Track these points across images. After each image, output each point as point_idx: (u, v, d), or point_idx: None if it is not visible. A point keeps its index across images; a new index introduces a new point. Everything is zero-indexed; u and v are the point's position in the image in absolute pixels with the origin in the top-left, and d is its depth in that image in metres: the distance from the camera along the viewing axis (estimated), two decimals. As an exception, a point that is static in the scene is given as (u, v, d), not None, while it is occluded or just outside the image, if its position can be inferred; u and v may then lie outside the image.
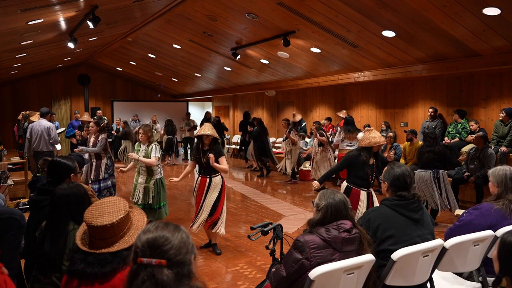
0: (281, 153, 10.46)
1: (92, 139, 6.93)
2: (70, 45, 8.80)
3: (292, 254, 2.34)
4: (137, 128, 6.19)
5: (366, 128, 5.29)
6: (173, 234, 1.48)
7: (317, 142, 8.74)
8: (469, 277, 3.04)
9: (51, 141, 8.05)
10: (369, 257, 2.33)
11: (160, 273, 1.39)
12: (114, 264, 1.82)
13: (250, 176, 11.29)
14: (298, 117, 10.47)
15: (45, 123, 8.05)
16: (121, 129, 14.11)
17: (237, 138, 13.13)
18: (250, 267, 4.59)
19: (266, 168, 10.82)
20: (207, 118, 14.39)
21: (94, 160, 6.81)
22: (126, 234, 1.90)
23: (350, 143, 7.98)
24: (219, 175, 4.99)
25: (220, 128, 13.34)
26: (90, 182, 6.78)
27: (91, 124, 7.00)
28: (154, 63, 13.26)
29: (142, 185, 5.59)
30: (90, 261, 1.83)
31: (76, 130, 11.17)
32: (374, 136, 4.53)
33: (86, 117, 10.04)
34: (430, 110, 8.54)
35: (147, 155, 5.51)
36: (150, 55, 12.35)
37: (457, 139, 7.90)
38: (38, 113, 8.60)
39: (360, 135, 4.96)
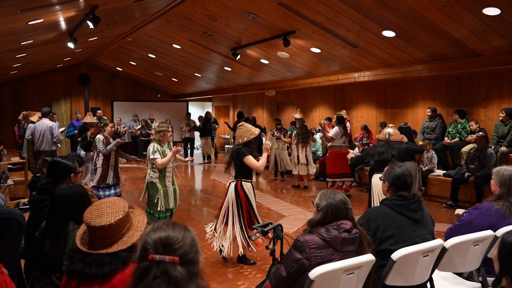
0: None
1: (112, 141, 6.57)
2: (70, 45, 8.80)
3: (292, 254, 2.34)
4: (157, 128, 5.56)
5: (391, 125, 5.72)
6: (184, 233, 1.49)
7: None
8: (469, 277, 3.04)
9: (54, 139, 8.05)
10: (369, 257, 2.33)
11: (173, 269, 1.39)
12: (113, 265, 1.82)
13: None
14: (297, 115, 10.51)
15: (48, 122, 8.05)
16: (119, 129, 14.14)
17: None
18: (250, 267, 4.59)
19: None
20: (207, 118, 14.39)
21: (113, 164, 6.51)
22: (125, 235, 1.90)
23: (344, 142, 8.02)
24: None
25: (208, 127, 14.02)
26: (98, 186, 6.42)
27: (111, 125, 6.70)
28: (154, 63, 13.26)
29: (171, 188, 5.36)
30: (88, 261, 1.83)
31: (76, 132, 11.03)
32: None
33: (89, 118, 9.76)
34: (428, 110, 8.52)
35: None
36: (150, 55, 12.35)
37: (457, 139, 7.90)
38: (38, 113, 8.60)
39: (389, 130, 5.40)
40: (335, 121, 8.40)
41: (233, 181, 4.60)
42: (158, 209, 5.23)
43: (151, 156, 5.15)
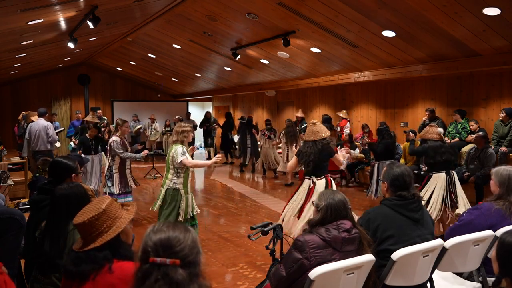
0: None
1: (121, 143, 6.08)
2: (70, 45, 8.80)
3: (292, 253, 2.34)
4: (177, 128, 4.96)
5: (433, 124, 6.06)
6: (185, 234, 1.49)
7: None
8: (469, 277, 3.04)
9: (49, 139, 8.05)
10: (369, 257, 2.33)
11: (174, 272, 1.40)
12: (88, 264, 1.81)
13: (250, 176, 11.29)
14: (299, 114, 10.73)
15: (43, 122, 8.08)
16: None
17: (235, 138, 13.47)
18: (250, 267, 4.59)
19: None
20: (207, 118, 14.39)
21: (129, 167, 6.13)
22: (105, 233, 1.88)
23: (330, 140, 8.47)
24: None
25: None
26: (119, 193, 6.01)
27: (127, 125, 6.19)
28: (154, 63, 13.26)
29: (190, 195, 4.92)
30: (71, 258, 1.86)
31: (74, 139, 10.59)
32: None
33: (90, 117, 9.03)
34: (426, 112, 8.44)
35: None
36: (150, 55, 12.35)
37: (457, 139, 7.90)
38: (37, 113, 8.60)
39: (440, 130, 5.84)
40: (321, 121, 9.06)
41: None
42: (180, 219, 4.75)
43: (181, 158, 4.60)
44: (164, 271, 1.40)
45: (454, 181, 5.47)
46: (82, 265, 1.81)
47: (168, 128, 14.66)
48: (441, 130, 5.67)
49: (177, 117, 14.34)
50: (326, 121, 8.91)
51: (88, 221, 1.85)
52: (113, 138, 6.10)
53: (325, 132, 4.60)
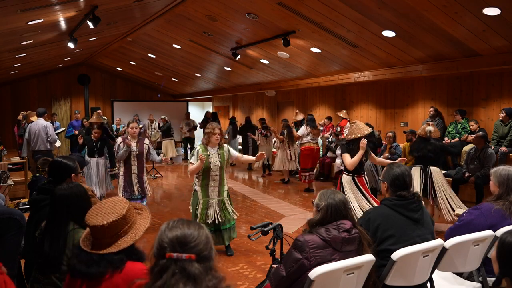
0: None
1: (135, 146, 5.69)
2: (70, 45, 8.80)
3: (292, 254, 2.34)
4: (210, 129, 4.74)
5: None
6: (199, 231, 1.55)
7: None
8: (469, 277, 3.04)
9: (48, 139, 8.06)
10: (369, 257, 2.33)
11: (190, 266, 1.46)
12: (100, 268, 1.81)
13: (250, 176, 11.30)
14: (300, 117, 10.60)
15: (42, 122, 8.09)
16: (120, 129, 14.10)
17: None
18: (250, 267, 4.59)
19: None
20: (207, 117, 14.37)
21: (136, 172, 5.74)
22: (121, 238, 1.88)
23: (313, 138, 8.89)
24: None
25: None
26: (133, 197, 5.67)
27: (132, 125, 5.83)
28: (154, 63, 13.26)
29: (215, 200, 4.73)
30: (80, 259, 1.85)
31: (77, 133, 10.63)
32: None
33: (95, 118, 8.07)
34: (431, 109, 8.53)
35: (223, 159, 4.71)
36: (150, 55, 12.35)
37: (457, 139, 7.90)
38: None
39: (428, 129, 6.07)
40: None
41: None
42: (197, 220, 4.56)
43: (189, 159, 4.78)
44: (181, 265, 1.46)
45: (431, 176, 5.74)
46: (94, 266, 1.81)
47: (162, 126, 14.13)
48: (429, 128, 5.94)
49: (162, 117, 14.18)
50: (311, 120, 9.02)
51: (107, 225, 1.84)
52: (117, 139, 5.90)
53: (361, 132, 4.86)
